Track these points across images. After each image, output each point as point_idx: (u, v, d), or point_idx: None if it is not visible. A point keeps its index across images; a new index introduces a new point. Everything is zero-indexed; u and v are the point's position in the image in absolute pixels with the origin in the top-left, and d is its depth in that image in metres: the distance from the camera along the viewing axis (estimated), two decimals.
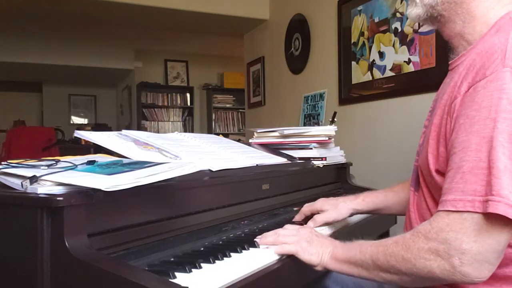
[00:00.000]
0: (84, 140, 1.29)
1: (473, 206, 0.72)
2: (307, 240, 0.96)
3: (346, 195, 1.28)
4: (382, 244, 0.83)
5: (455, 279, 0.73)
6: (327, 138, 1.75)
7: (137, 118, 6.53)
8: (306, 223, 1.23)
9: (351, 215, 1.24)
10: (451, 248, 0.72)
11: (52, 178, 0.78)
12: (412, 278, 0.79)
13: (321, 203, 1.23)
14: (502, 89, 0.74)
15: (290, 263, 0.95)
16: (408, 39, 2.26)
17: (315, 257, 0.93)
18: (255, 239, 1.00)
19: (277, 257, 0.94)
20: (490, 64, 0.77)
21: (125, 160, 0.98)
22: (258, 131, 1.82)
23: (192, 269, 0.80)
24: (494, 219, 0.71)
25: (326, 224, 1.20)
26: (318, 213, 1.22)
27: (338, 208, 1.21)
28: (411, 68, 2.24)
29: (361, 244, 0.89)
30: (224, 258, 0.89)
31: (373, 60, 2.51)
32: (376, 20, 2.48)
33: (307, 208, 1.24)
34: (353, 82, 2.69)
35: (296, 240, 0.96)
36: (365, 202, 1.23)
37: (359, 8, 2.62)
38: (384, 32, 2.43)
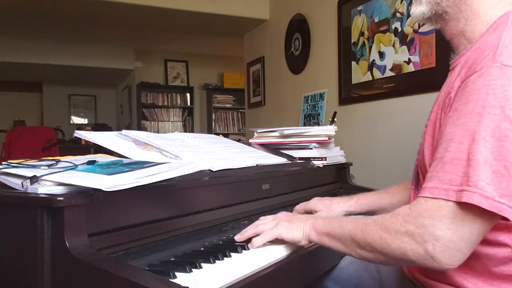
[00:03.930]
0: (84, 140, 1.29)
1: (446, 195, 0.74)
2: (287, 219, 0.98)
3: (343, 196, 1.28)
4: (362, 222, 0.85)
5: (426, 264, 0.75)
6: (327, 138, 1.75)
7: (137, 118, 6.53)
8: None
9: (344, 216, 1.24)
10: (426, 233, 0.74)
11: (53, 178, 0.78)
12: (386, 258, 0.81)
13: (315, 202, 1.23)
14: (490, 84, 0.76)
15: (290, 262, 0.96)
16: (408, 39, 2.26)
17: (297, 232, 0.95)
18: (234, 237, 1.01)
19: (277, 257, 0.94)
20: (481, 60, 0.79)
21: (125, 160, 0.98)
22: (258, 131, 1.82)
23: (192, 269, 0.80)
24: (468, 209, 0.72)
25: None
26: (311, 212, 1.22)
27: (331, 209, 1.21)
28: (411, 68, 2.24)
29: (341, 219, 0.91)
30: (224, 258, 0.89)
31: (373, 60, 2.51)
32: (376, 20, 2.48)
33: (301, 206, 1.25)
34: (353, 82, 2.69)
35: (275, 223, 0.98)
36: (359, 204, 1.23)
37: (359, 8, 2.62)
38: (384, 32, 2.43)
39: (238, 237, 1.00)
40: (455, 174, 0.74)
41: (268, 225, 0.99)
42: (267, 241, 0.96)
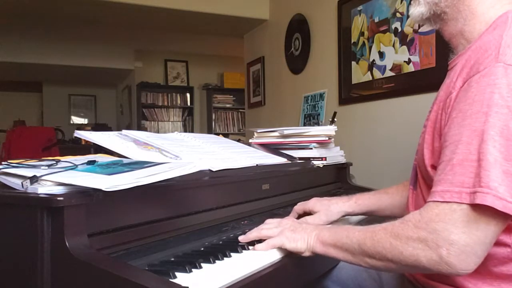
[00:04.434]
0: (84, 140, 1.29)
1: (459, 197, 0.73)
2: (291, 229, 0.97)
3: (342, 196, 1.28)
4: (370, 230, 0.84)
5: (441, 270, 0.73)
6: (327, 138, 1.75)
7: (137, 118, 6.53)
8: None
9: (343, 216, 1.23)
10: (439, 238, 0.73)
11: (53, 178, 0.78)
12: (398, 266, 0.79)
13: (313, 202, 1.23)
14: (495, 84, 0.75)
15: (290, 263, 0.95)
16: (408, 39, 2.26)
17: (301, 243, 0.93)
18: (239, 238, 1.00)
19: (277, 257, 0.94)
20: (484, 60, 0.79)
21: (125, 160, 0.98)
22: (258, 131, 1.82)
23: (192, 269, 0.80)
24: (482, 211, 0.71)
25: None
26: (310, 212, 1.22)
27: (329, 209, 1.20)
28: (411, 68, 2.24)
29: (348, 229, 0.89)
30: (224, 258, 0.89)
31: (373, 60, 2.51)
32: (376, 20, 2.48)
33: (300, 206, 1.25)
34: (353, 82, 2.69)
35: (279, 231, 0.97)
36: (357, 204, 1.22)
37: (359, 8, 2.62)
38: (384, 32, 2.43)
39: (242, 238, 1.00)
40: (466, 176, 0.73)
41: (272, 231, 0.98)
42: (269, 249, 0.95)
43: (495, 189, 0.70)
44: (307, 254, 0.94)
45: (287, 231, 0.96)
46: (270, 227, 1.00)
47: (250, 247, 0.97)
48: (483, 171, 0.71)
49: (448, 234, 0.72)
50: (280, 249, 0.96)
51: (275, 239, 0.96)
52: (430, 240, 0.73)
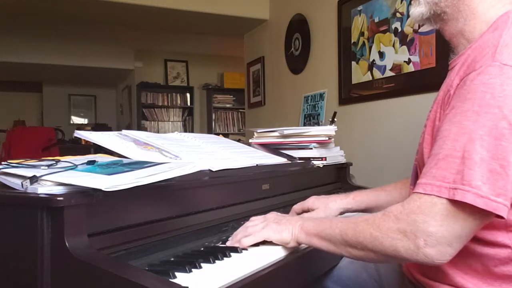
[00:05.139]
0: (84, 140, 1.29)
1: (439, 192, 0.74)
2: (275, 221, 0.98)
3: (340, 193, 1.28)
4: (352, 221, 0.85)
5: (418, 259, 0.75)
6: (327, 138, 1.75)
7: (137, 118, 6.53)
8: None
9: (342, 213, 1.24)
10: (418, 230, 0.74)
11: (52, 178, 0.78)
12: (378, 255, 0.81)
13: (312, 200, 1.23)
14: (488, 83, 0.76)
15: (290, 263, 0.96)
16: (408, 39, 2.26)
17: (286, 233, 0.95)
18: (226, 243, 1.00)
19: (277, 257, 0.94)
20: (481, 58, 0.79)
21: (125, 160, 0.98)
22: (258, 131, 1.82)
23: (192, 269, 0.80)
24: (461, 207, 0.73)
25: None
26: (308, 211, 1.22)
27: (328, 206, 1.21)
28: (411, 68, 2.24)
29: (331, 220, 0.92)
30: (224, 258, 0.89)
31: (373, 60, 2.51)
32: (376, 20, 2.48)
33: (298, 206, 1.25)
34: (353, 82, 2.69)
35: (264, 225, 0.98)
36: (355, 201, 1.23)
37: (359, 8, 2.62)
38: (384, 32, 2.43)
39: (230, 242, 1.00)
40: (448, 172, 0.74)
41: (258, 227, 0.99)
42: (255, 242, 0.96)
43: (477, 188, 0.71)
44: (292, 244, 0.95)
45: (272, 223, 0.98)
46: (255, 223, 1.01)
47: (250, 248, 0.97)
48: (466, 169, 0.72)
49: (426, 226, 0.74)
50: (280, 249, 0.96)
51: (261, 232, 0.97)
52: (409, 231, 0.75)
